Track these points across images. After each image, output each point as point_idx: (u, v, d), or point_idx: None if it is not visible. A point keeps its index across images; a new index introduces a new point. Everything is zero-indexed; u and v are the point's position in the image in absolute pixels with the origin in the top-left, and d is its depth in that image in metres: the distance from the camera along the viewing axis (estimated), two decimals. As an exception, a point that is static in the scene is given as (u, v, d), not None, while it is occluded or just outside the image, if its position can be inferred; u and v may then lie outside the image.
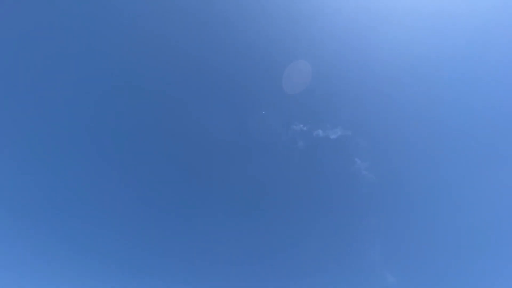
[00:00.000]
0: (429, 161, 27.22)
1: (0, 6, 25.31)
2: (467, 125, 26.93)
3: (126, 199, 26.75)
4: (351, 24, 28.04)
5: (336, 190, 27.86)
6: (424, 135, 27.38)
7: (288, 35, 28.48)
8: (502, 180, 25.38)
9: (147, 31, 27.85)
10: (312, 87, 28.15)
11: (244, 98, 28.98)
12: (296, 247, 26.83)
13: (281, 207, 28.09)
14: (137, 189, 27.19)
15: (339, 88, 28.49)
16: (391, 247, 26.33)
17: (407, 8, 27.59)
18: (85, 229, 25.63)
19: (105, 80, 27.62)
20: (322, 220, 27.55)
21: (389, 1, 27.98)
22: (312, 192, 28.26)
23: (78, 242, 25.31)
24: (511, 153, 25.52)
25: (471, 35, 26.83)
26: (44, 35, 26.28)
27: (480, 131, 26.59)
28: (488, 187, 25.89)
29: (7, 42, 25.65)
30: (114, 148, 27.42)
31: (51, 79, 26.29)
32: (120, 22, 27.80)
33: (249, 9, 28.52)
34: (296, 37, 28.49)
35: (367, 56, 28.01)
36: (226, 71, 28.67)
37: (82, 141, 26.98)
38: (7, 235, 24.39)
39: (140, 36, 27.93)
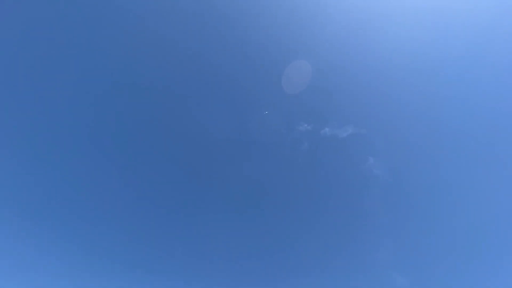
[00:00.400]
0: (441, 161, 26.75)
1: (0, 6, 25.30)
2: (481, 124, 26.29)
3: (126, 197, 26.76)
4: (356, 21, 27.58)
5: (346, 189, 27.67)
6: (431, 135, 26.99)
7: (290, 33, 28.26)
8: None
9: (148, 30, 27.78)
10: (317, 85, 27.86)
11: (246, 98, 28.87)
12: (305, 248, 26.73)
13: (288, 207, 27.99)
14: (138, 188, 27.23)
15: (344, 86, 28.19)
16: (402, 248, 26.13)
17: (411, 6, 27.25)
18: (84, 228, 25.75)
19: (105, 79, 27.60)
20: (331, 220, 27.40)
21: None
22: (321, 192, 28.08)
23: (77, 241, 25.43)
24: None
25: (478, 33, 26.37)
26: (44, 34, 26.27)
27: (496, 131, 26.04)
28: (505, 188, 25.47)
29: (7, 42, 25.65)
30: (114, 147, 27.47)
31: (51, 78, 26.30)
32: (120, 21, 27.73)
33: (251, 8, 28.30)
34: (297, 35, 28.23)
35: (369, 54, 27.64)
36: (228, 71, 28.55)
37: (82, 140, 27.04)
38: (9, 235, 24.48)
39: (141, 36, 27.87)
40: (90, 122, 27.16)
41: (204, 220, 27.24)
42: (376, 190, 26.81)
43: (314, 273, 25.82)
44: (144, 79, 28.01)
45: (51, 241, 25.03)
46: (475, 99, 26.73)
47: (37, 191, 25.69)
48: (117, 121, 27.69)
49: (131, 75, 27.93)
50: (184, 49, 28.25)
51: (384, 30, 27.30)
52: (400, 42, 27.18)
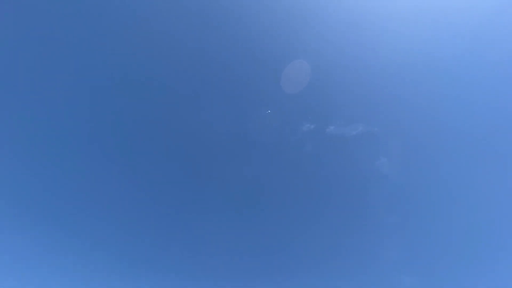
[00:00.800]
0: (453, 161, 25.96)
1: (0, 6, 25.31)
2: (498, 124, 25.19)
3: (125, 196, 26.74)
4: (363, 17, 26.73)
5: (352, 188, 27.25)
6: (441, 134, 26.16)
7: (292, 28, 27.66)
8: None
9: (147, 29, 27.65)
10: (320, 83, 27.40)
11: (248, 97, 28.55)
12: (312, 250, 26.45)
13: (294, 208, 27.62)
14: (138, 187, 27.17)
15: (347, 84, 27.57)
16: (413, 249, 25.69)
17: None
18: (82, 227, 25.78)
19: (105, 78, 27.56)
20: (338, 221, 27.01)
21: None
22: (327, 192, 27.70)
23: (76, 241, 25.44)
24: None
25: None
26: (43, 33, 26.25)
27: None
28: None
29: (7, 42, 25.66)
30: (114, 145, 27.46)
31: (51, 77, 26.29)
32: (120, 20, 27.65)
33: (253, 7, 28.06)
34: (301, 31, 27.61)
35: (376, 52, 26.90)
36: (229, 70, 28.25)
37: (83, 138, 27.05)
38: (10, 234, 24.51)
39: (140, 34, 27.75)
40: (90, 120, 27.20)
41: (206, 220, 27.14)
42: (385, 190, 26.43)
43: (324, 274, 25.66)
44: (144, 78, 27.95)
45: (50, 240, 25.14)
46: (492, 99, 25.70)
47: (36, 190, 25.79)
48: (117, 120, 27.70)
49: (131, 73, 27.85)
50: (184, 49, 28.14)
51: (393, 26, 26.53)
52: (412, 40, 26.32)
